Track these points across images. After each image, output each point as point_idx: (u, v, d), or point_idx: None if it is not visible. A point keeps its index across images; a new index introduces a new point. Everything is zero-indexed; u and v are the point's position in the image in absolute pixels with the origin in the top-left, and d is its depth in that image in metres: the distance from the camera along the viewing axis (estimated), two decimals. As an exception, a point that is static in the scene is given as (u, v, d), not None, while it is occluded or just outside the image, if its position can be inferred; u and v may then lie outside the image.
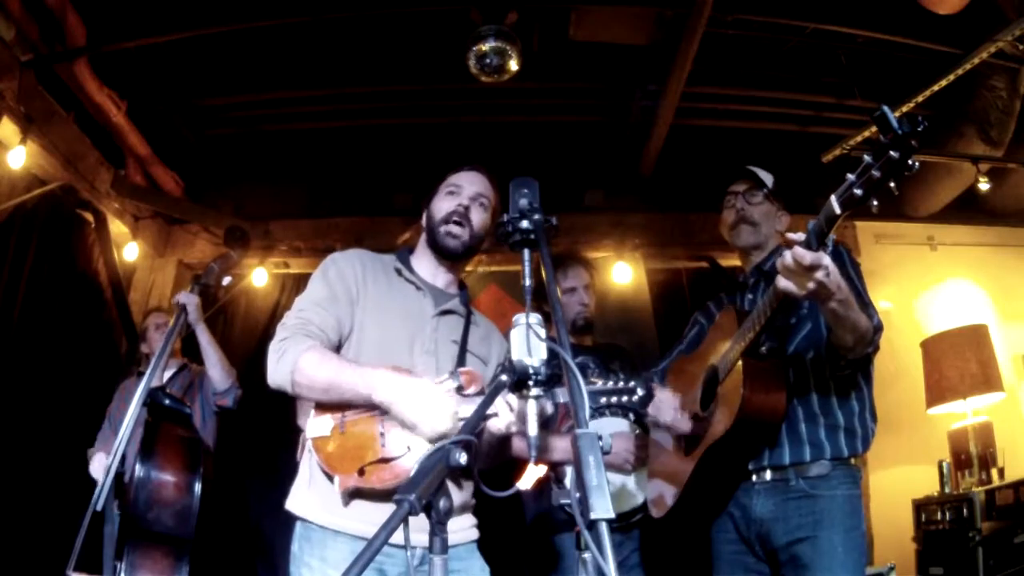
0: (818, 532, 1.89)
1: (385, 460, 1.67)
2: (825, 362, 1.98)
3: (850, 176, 1.45)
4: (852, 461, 1.99)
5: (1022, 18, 3.12)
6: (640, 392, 1.73)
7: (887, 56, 3.88)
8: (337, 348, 1.84)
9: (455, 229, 1.93)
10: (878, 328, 1.85)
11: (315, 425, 1.73)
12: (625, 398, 1.74)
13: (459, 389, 1.70)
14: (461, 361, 1.91)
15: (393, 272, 1.96)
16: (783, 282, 1.62)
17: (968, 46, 3.40)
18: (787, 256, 1.59)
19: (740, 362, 1.90)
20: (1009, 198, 4.40)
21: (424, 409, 1.62)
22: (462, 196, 1.97)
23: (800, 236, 1.59)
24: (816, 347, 2.00)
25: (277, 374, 1.73)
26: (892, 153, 1.35)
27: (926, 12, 3.16)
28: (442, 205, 1.97)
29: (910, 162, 1.35)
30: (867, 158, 1.41)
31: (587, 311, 2.92)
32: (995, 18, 3.27)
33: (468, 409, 1.63)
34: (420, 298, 1.93)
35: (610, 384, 1.76)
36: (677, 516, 2.16)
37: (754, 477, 2.02)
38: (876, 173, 1.39)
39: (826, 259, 1.57)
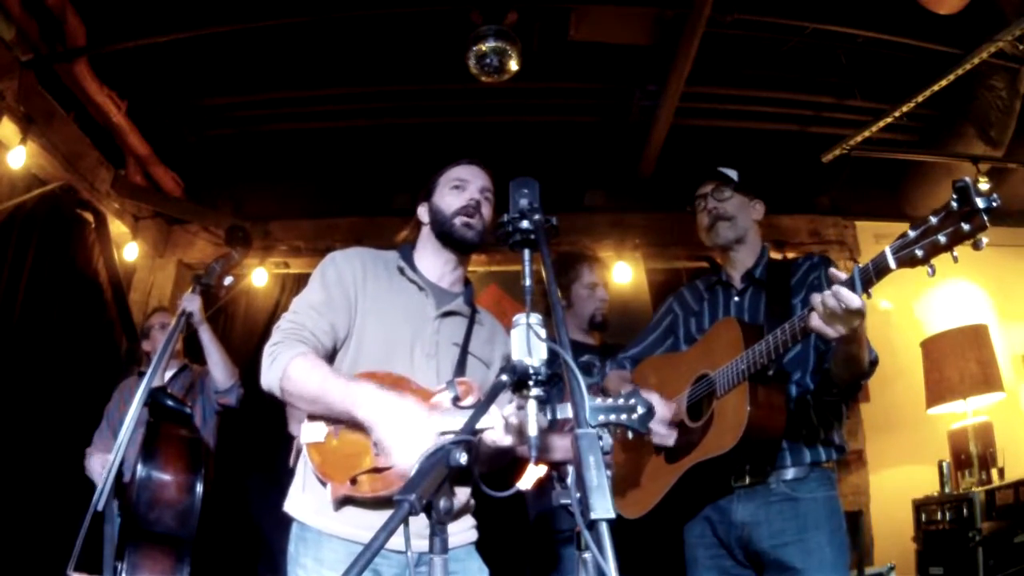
0: (804, 535, 1.89)
1: (378, 470, 1.65)
2: (812, 387, 2.00)
3: (911, 232, 1.40)
4: (826, 465, 2.01)
5: (1022, 18, 3.12)
6: (641, 410, 1.71)
7: (887, 56, 3.87)
8: (332, 353, 1.81)
9: (472, 220, 1.93)
10: (874, 363, 1.86)
11: (309, 431, 1.71)
12: (624, 416, 1.72)
13: (455, 400, 1.67)
14: (461, 366, 1.88)
15: (395, 271, 1.93)
16: (816, 322, 1.59)
17: (968, 46, 3.40)
18: (828, 297, 1.54)
19: (746, 384, 1.86)
20: (1009, 198, 4.37)
21: (401, 438, 1.57)
22: (471, 190, 1.96)
23: (842, 275, 1.53)
24: (803, 368, 2.02)
25: (268, 378, 1.71)
26: (963, 225, 1.32)
27: (926, 12, 3.16)
28: (451, 200, 1.95)
29: (979, 237, 1.31)
30: (932, 219, 1.37)
31: (605, 308, 3.01)
32: (995, 18, 3.27)
33: (459, 423, 1.57)
34: (422, 299, 1.91)
35: (609, 401, 1.74)
36: (649, 519, 2.13)
37: (733, 481, 2.00)
38: (941, 239, 1.36)
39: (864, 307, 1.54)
